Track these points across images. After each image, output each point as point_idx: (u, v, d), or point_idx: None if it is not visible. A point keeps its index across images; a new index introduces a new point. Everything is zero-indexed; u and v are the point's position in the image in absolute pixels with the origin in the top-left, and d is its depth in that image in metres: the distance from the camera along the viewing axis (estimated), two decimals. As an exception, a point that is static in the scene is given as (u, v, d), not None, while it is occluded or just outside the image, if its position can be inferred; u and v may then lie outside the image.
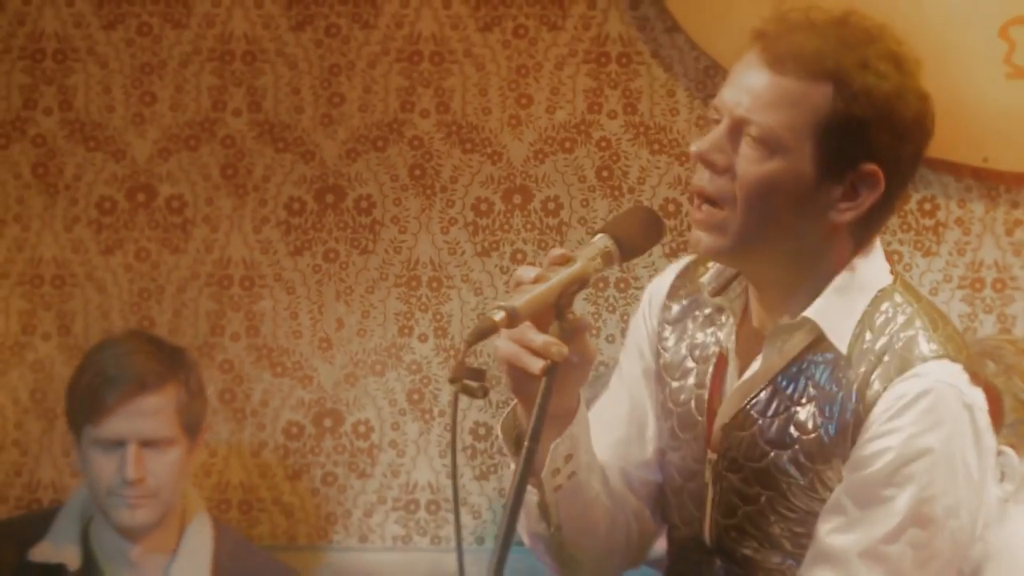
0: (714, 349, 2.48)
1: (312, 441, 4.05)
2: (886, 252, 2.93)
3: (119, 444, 3.52)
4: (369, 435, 4.01)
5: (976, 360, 2.71)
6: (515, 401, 2.35)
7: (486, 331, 2.17)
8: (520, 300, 2.19)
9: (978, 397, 2.36)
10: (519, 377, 2.29)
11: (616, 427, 2.58)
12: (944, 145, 3.58)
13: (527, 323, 2.25)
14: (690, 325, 2.54)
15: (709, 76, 3.85)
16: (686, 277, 2.56)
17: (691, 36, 3.86)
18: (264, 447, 4.05)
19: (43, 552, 3.59)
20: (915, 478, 2.29)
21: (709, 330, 2.51)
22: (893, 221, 3.86)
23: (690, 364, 2.52)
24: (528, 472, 2.25)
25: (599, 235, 2.31)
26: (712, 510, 2.45)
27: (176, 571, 3.61)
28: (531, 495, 2.43)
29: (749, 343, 2.44)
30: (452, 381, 2.19)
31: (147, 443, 3.53)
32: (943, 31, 3.80)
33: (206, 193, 4.04)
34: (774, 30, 2.37)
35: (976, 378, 2.39)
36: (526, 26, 4.00)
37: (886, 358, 2.33)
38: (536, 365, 2.24)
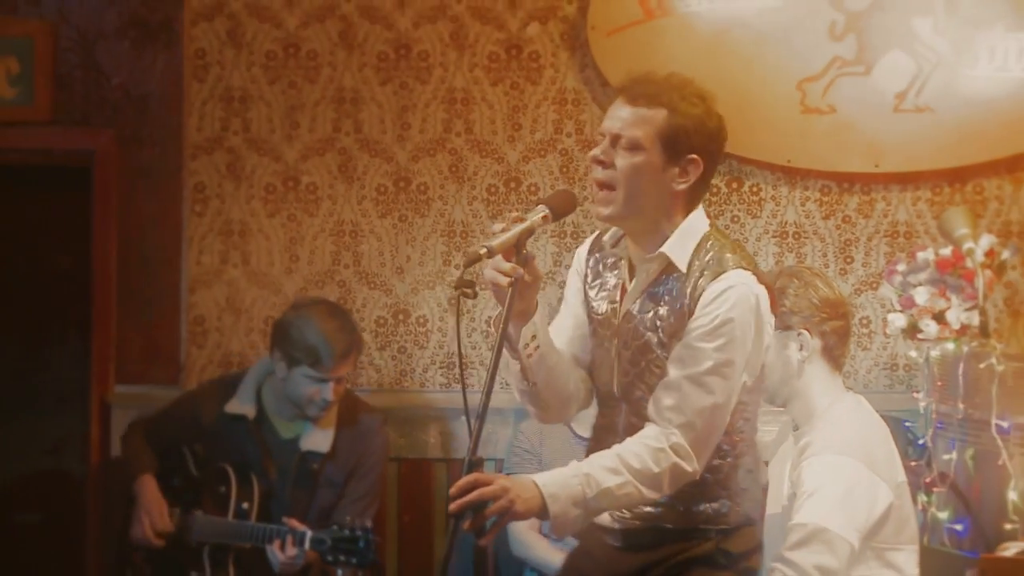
0: (618, 281, 2.84)
1: (391, 327, 4.75)
2: (730, 216, 4.01)
3: (324, 380, 4.10)
4: (425, 324, 4.70)
5: (765, 273, 2.94)
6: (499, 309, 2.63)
7: (475, 259, 2.56)
8: (495, 242, 2.60)
9: (762, 291, 2.71)
10: (497, 290, 2.64)
11: (566, 331, 2.92)
12: (764, 152, 4.73)
13: (499, 256, 2.61)
14: (601, 269, 2.88)
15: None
16: (595, 244, 2.92)
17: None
18: (363, 331, 4.60)
19: (233, 406, 4.15)
20: (721, 336, 2.64)
21: (615, 271, 2.86)
22: (735, 196, 4.62)
23: (604, 293, 2.84)
24: (503, 342, 2.56)
25: (540, 205, 2.72)
26: (617, 373, 2.80)
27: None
28: (515, 365, 2.77)
29: (632, 274, 2.82)
30: (456, 288, 2.56)
31: (338, 380, 4.16)
32: (763, 85, 4.63)
33: (329, 181, 4.74)
34: (630, 83, 2.76)
35: (763, 279, 2.72)
36: (518, 83, 4.73)
37: (706, 271, 2.68)
38: (505, 280, 2.61)
